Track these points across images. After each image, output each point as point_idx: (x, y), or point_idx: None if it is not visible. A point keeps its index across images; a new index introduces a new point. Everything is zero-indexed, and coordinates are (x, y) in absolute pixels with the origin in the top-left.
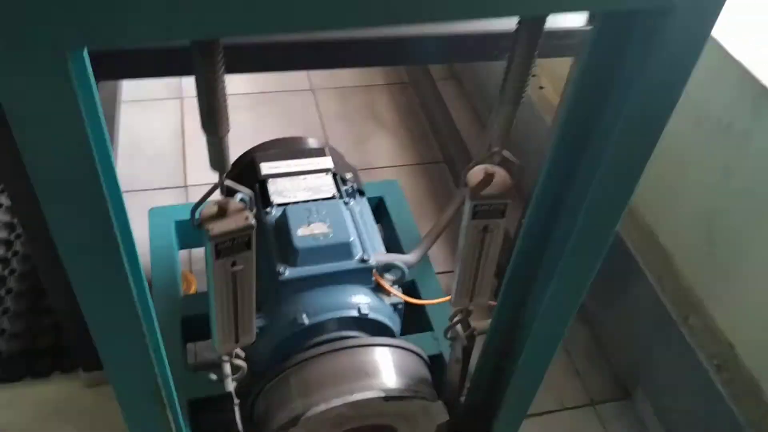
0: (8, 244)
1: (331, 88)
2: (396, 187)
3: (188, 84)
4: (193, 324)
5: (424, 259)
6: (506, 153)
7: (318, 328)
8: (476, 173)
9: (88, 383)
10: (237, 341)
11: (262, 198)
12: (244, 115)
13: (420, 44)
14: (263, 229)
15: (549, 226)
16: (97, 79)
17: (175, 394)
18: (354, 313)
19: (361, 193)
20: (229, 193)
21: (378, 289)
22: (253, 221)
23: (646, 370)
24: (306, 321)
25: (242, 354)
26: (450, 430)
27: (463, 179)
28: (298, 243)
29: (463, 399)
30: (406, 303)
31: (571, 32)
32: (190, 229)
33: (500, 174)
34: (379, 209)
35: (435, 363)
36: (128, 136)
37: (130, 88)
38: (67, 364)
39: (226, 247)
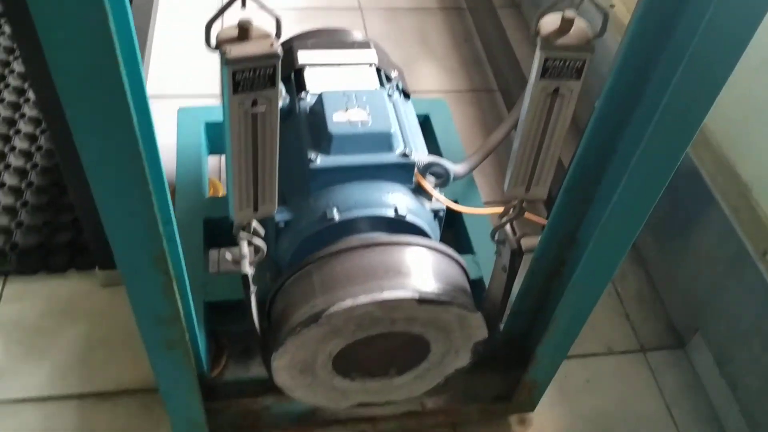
0: (33, 138)
1: (381, 8)
2: (443, 106)
3: None
4: (215, 227)
5: (470, 183)
6: None
7: (349, 225)
8: (551, 20)
9: (103, 282)
10: (256, 209)
11: (297, 86)
12: (288, 31)
13: None
14: (296, 116)
15: (615, 137)
16: None
17: (185, 269)
18: (390, 213)
19: (407, 95)
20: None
21: (418, 191)
22: (279, 49)
23: (709, 316)
24: (336, 217)
25: (261, 231)
26: (484, 357)
27: (534, 25)
28: (332, 128)
29: (502, 326)
30: (448, 212)
31: None
32: (222, 134)
33: (580, 24)
34: (423, 128)
35: (475, 288)
36: (162, 41)
37: None
38: (84, 261)
39: (246, 79)
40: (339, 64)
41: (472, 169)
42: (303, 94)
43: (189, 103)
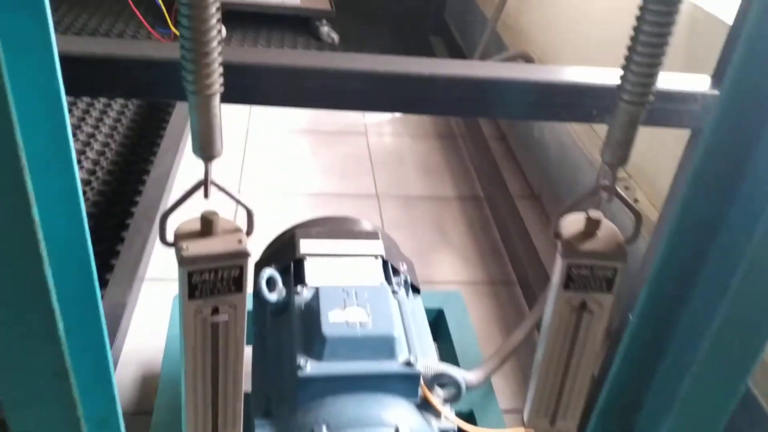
0: None
1: (397, 195)
2: (458, 299)
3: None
4: None
5: (487, 388)
6: (619, 192)
7: None
8: (573, 220)
9: None
10: None
11: (295, 279)
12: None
13: (503, 90)
14: (289, 313)
15: (655, 358)
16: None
17: None
18: None
19: (416, 290)
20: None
21: (425, 407)
22: (247, 247)
23: None
24: None
25: None
26: None
27: (554, 226)
28: (326, 330)
29: None
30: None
31: (690, 96)
32: None
33: (608, 226)
34: (437, 325)
35: None
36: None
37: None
38: None
39: (205, 282)
40: (342, 255)
41: (488, 377)
42: (300, 287)
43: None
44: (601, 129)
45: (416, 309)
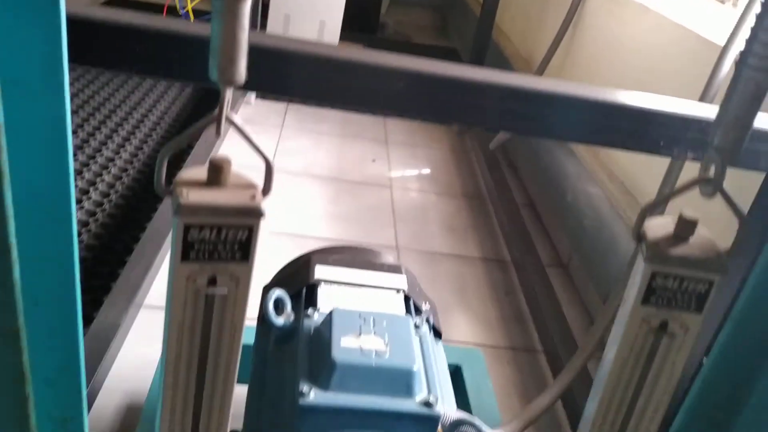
0: None
1: (419, 250)
2: (478, 357)
3: None
4: None
5: None
6: (724, 189)
7: None
8: (661, 224)
9: None
10: None
11: (307, 304)
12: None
13: (562, 107)
14: (296, 339)
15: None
16: None
17: None
18: None
19: (438, 334)
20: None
21: None
22: (262, 205)
23: None
24: None
25: None
26: None
27: (637, 226)
28: (337, 355)
29: None
30: None
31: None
32: None
33: (703, 233)
34: (453, 382)
35: None
36: None
37: None
38: None
39: (204, 242)
40: (361, 285)
41: None
42: (311, 310)
43: None
44: (642, 196)
45: (438, 353)
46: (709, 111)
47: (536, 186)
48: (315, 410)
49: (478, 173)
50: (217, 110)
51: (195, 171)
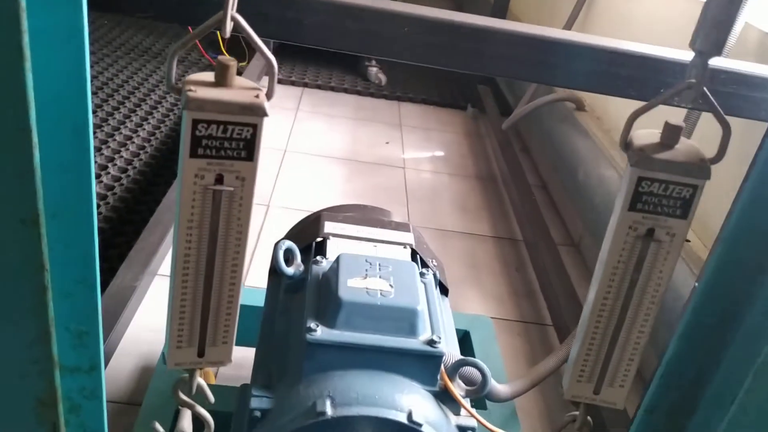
0: None
1: (430, 227)
2: (486, 322)
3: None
4: None
5: (512, 417)
6: (707, 93)
7: (344, 425)
8: (648, 134)
9: None
10: (201, 353)
11: (316, 255)
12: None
13: (565, 54)
14: (305, 285)
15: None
16: None
17: None
18: (401, 417)
19: (444, 290)
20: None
21: (443, 397)
22: (265, 103)
23: None
24: (329, 411)
25: (209, 395)
26: None
27: (625, 134)
28: (343, 294)
29: None
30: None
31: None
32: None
33: (687, 142)
34: (462, 346)
35: None
36: None
37: None
38: None
39: (211, 139)
40: (369, 239)
41: (517, 394)
42: (319, 257)
43: None
44: None
45: (444, 309)
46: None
47: (549, 167)
48: (321, 346)
49: (491, 156)
50: (222, 11)
51: (204, 74)
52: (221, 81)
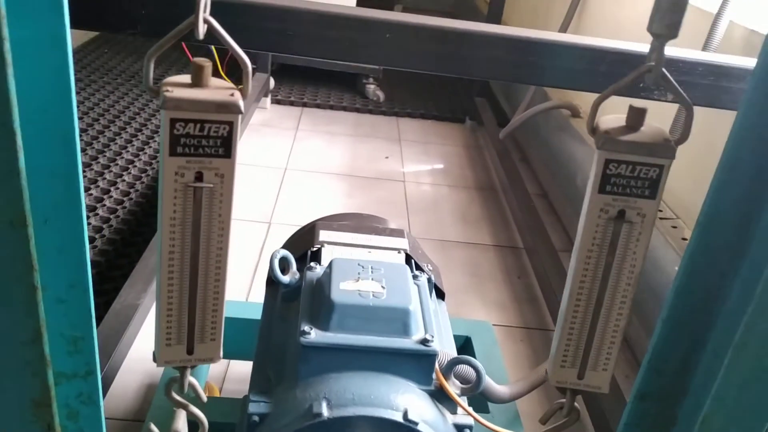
0: None
1: (432, 239)
2: (487, 328)
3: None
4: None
5: (514, 414)
6: (666, 74)
7: (341, 426)
8: (614, 119)
9: None
10: (190, 350)
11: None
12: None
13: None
14: (301, 291)
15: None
16: None
17: None
18: (397, 416)
19: (441, 294)
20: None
21: (439, 396)
22: (241, 102)
23: None
24: (325, 413)
25: (202, 394)
26: None
27: (591, 119)
28: (336, 296)
29: None
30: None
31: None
32: (233, 335)
33: (652, 124)
34: (464, 352)
35: None
36: None
37: None
38: None
39: (189, 137)
40: (364, 246)
41: (518, 396)
42: (313, 264)
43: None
44: None
45: (439, 311)
46: (686, 54)
47: (548, 175)
48: (315, 349)
49: (491, 166)
50: (194, 14)
51: (180, 76)
52: (197, 81)
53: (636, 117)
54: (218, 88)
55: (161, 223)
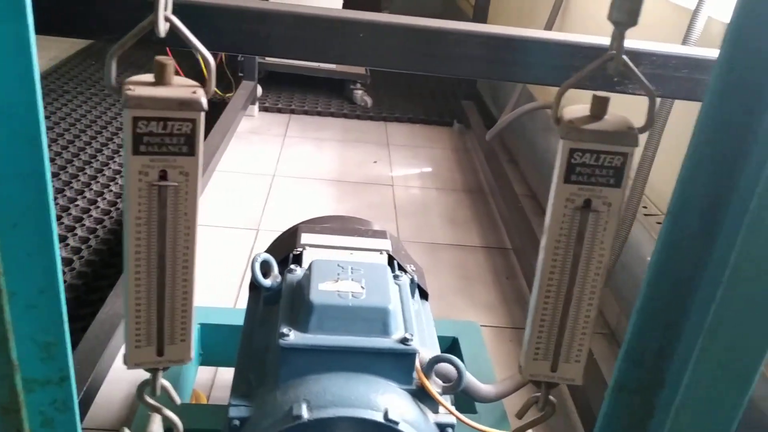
0: None
1: (421, 242)
2: (475, 328)
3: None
4: None
5: (502, 414)
6: (628, 62)
7: (322, 428)
8: (578, 109)
9: None
10: (160, 351)
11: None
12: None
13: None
14: (281, 294)
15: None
16: None
17: None
18: (377, 416)
19: (424, 294)
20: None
21: (420, 396)
22: (203, 100)
23: None
24: (305, 415)
25: (176, 397)
26: None
27: (555, 110)
28: (314, 297)
29: None
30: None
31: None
32: (220, 342)
33: (616, 113)
34: (452, 353)
35: None
36: None
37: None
38: None
39: (153, 135)
40: (346, 248)
41: (504, 395)
42: (294, 266)
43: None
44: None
45: (422, 311)
46: (660, 47)
47: (536, 175)
48: (295, 351)
49: (479, 169)
50: (153, 13)
51: (143, 75)
52: (160, 80)
53: (599, 106)
54: (181, 86)
55: (127, 222)
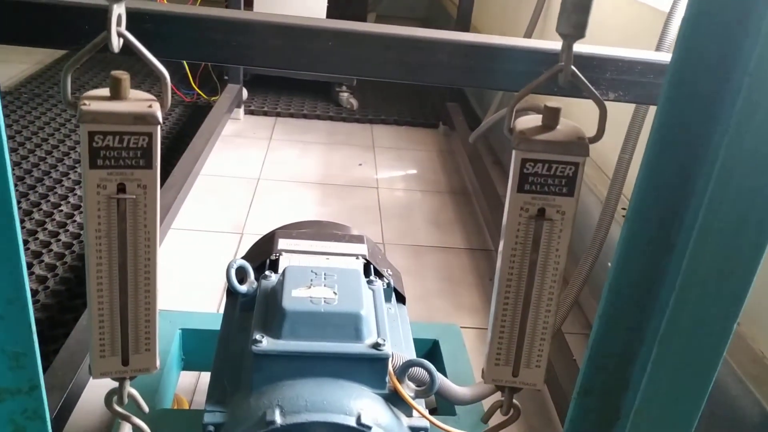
0: None
1: (404, 244)
2: (455, 332)
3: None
4: None
5: (480, 414)
6: (577, 73)
7: None
8: (532, 119)
9: None
10: (125, 361)
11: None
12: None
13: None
14: (256, 301)
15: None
16: None
17: None
18: (350, 421)
19: (401, 298)
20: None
21: (393, 400)
22: (158, 113)
23: None
24: (278, 420)
25: (143, 405)
26: None
27: (509, 121)
28: (287, 304)
29: None
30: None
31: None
32: (202, 347)
33: (569, 123)
34: (431, 356)
35: None
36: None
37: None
38: None
39: (109, 149)
40: (321, 253)
41: (480, 397)
42: (268, 272)
43: (170, 305)
44: (606, 166)
45: (398, 315)
46: (624, 53)
47: None
48: (267, 357)
49: (464, 171)
50: (106, 28)
51: (99, 90)
52: (116, 94)
53: (551, 116)
54: (137, 100)
55: (87, 235)
